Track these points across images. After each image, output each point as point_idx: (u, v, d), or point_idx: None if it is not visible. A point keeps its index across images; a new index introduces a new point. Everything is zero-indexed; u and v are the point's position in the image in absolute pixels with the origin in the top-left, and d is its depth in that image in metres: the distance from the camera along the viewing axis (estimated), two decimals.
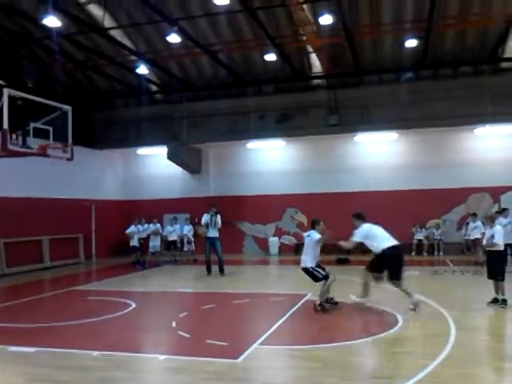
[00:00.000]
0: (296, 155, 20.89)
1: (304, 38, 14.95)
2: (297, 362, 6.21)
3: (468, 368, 5.71)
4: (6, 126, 9.24)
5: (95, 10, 15.91)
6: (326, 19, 13.15)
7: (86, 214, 20.04)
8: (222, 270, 14.38)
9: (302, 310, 9.34)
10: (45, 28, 13.55)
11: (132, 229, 16.62)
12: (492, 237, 9.13)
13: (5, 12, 14.46)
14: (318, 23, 13.63)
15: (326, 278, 9.09)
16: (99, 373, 5.89)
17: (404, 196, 19.21)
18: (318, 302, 9.03)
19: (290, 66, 17.31)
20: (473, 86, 17.41)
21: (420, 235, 19.04)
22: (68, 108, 11.01)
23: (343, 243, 9.20)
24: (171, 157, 20.19)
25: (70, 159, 11.00)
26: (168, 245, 17.79)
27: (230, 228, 21.15)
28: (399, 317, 8.33)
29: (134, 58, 17.30)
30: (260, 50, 16.51)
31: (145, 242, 17.06)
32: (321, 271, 9.15)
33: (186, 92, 20.19)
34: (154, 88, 20.38)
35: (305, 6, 13.15)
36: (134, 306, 10.05)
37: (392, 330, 7.54)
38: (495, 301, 9.06)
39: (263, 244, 21.15)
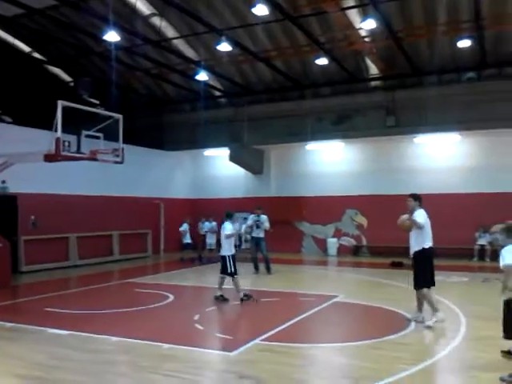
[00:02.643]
0: (355, 156, 20.90)
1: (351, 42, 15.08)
2: (283, 359, 6.64)
3: (441, 375, 5.86)
4: (59, 134, 10.47)
5: (157, 22, 17.16)
6: (370, 24, 13.23)
7: (154, 212, 21.48)
8: (268, 269, 14.91)
9: (323, 311, 9.67)
10: (104, 42, 14.89)
11: (184, 227, 17.69)
12: None
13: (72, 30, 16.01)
14: (363, 28, 13.72)
15: (231, 274, 10.32)
16: (107, 355, 6.73)
17: (467, 199, 18.58)
18: (241, 295, 10.33)
19: (343, 69, 17.44)
20: None
21: (483, 240, 18.33)
22: (119, 116, 12.08)
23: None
24: (232, 158, 21.03)
25: (120, 162, 12.06)
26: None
27: (289, 228, 21.74)
28: (413, 323, 8.43)
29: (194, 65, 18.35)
30: (314, 54, 16.79)
31: (202, 239, 18.07)
32: (233, 265, 10.31)
33: (247, 96, 20.95)
34: (217, 93, 21.39)
35: (350, 12, 13.32)
36: (171, 298, 10.93)
37: (395, 335, 7.68)
38: None
39: (322, 244, 21.39)
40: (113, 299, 11.17)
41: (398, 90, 18.65)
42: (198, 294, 12.11)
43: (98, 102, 20.50)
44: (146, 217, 20.82)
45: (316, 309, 9.73)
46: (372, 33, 14.63)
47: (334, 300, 10.65)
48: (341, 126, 19.52)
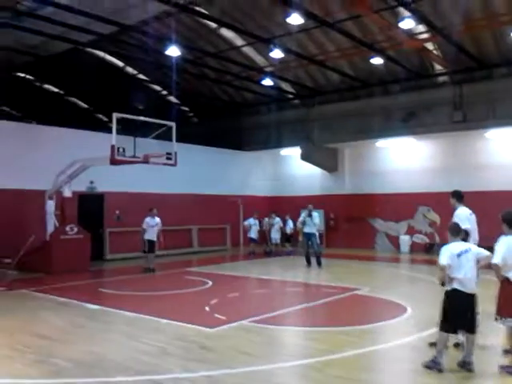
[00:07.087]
0: (426, 153, 20.60)
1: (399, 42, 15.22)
2: (249, 336, 7.60)
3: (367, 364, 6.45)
4: (114, 142, 12.30)
5: (226, 33, 18.67)
6: (408, 23, 13.38)
7: (234, 208, 23.06)
8: (319, 263, 15.60)
9: (332, 301, 10.28)
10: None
11: (248, 222, 18.95)
12: None
13: None
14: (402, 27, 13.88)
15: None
16: (111, 326, 8.25)
17: None
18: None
19: (404, 68, 17.52)
20: None
21: None
22: (172, 124, 13.67)
23: None
24: (304, 157, 21.88)
25: (174, 165, 13.66)
26: (287, 237, 19.66)
27: (363, 224, 22.06)
28: (408, 311, 8.88)
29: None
30: (367, 55, 17.11)
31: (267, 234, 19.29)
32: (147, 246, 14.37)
33: (318, 96, 21.68)
34: (290, 96, 22.52)
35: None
36: (208, 285, 12.25)
37: (373, 325, 8.21)
38: None
39: (395, 241, 21.37)
40: (159, 284, 12.75)
41: (466, 84, 18.15)
42: (232, 282, 13.20)
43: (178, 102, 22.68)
44: (226, 213, 22.45)
45: (328, 299, 10.41)
46: (415, 31, 14.68)
47: (354, 292, 11.16)
48: (408, 122, 19.45)
